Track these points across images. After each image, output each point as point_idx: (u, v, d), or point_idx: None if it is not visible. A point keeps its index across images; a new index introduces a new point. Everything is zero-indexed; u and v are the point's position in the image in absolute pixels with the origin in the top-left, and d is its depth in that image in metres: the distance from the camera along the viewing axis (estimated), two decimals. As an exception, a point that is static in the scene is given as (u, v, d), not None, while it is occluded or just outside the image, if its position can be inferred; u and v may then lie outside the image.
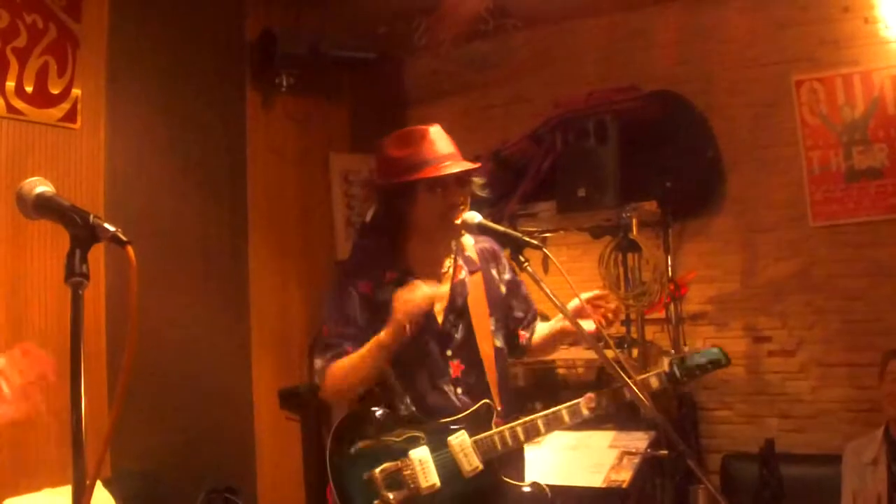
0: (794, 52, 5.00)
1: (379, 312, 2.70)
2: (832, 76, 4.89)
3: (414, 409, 2.71)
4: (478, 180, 2.82)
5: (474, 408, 2.72)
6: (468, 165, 2.73)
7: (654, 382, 2.73)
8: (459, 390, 2.76)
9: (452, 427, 2.68)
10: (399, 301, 2.61)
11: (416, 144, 2.70)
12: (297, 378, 5.31)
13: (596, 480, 3.40)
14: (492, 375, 2.80)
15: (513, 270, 2.96)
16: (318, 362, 2.76)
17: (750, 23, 5.15)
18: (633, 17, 5.51)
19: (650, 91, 5.19)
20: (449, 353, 2.78)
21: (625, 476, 3.45)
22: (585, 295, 2.76)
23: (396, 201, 2.74)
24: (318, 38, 5.30)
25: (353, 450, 2.63)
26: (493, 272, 2.93)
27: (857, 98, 4.83)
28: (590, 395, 2.71)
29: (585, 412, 2.70)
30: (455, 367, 2.77)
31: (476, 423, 2.70)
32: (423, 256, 2.81)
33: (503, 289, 2.93)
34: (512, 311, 2.97)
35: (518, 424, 2.69)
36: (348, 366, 2.69)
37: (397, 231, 2.80)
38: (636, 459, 3.50)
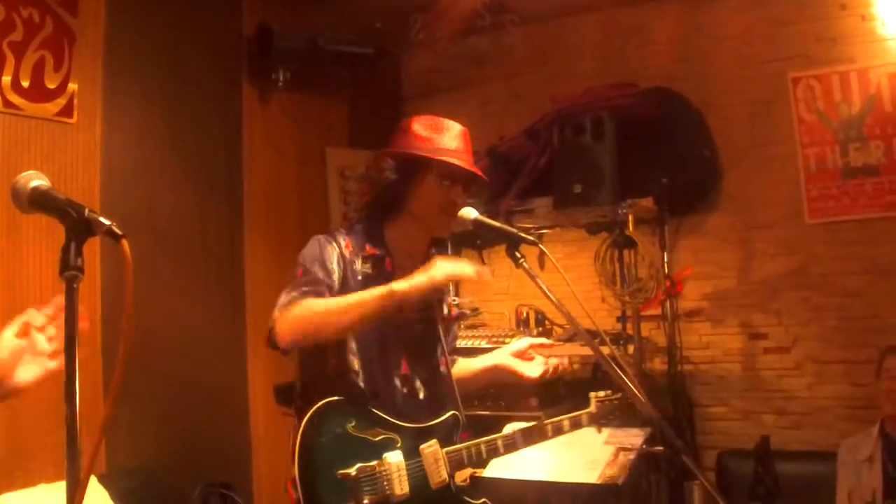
0: (790, 49, 5.01)
1: (352, 280, 2.64)
2: (829, 73, 4.90)
3: (363, 386, 2.63)
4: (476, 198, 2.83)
5: (444, 417, 2.69)
6: (479, 172, 2.75)
7: (585, 420, 2.84)
8: (406, 389, 2.71)
9: (425, 435, 2.61)
10: (441, 261, 2.56)
11: (441, 132, 2.71)
12: (292, 373, 5.29)
13: (591, 477, 3.39)
14: (437, 385, 2.79)
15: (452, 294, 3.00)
16: (283, 296, 2.55)
17: (747, 20, 5.15)
18: (630, 14, 5.52)
19: (647, 88, 5.19)
20: (402, 347, 2.73)
21: (620, 473, 3.45)
22: (530, 341, 2.82)
23: (404, 176, 2.70)
24: (315, 34, 5.29)
25: (328, 442, 2.48)
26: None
27: (853, 95, 4.84)
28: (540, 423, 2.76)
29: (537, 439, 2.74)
30: (404, 365, 2.73)
31: (445, 434, 2.66)
32: (403, 244, 2.77)
33: (445, 308, 2.93)
34: (447, 333, 2.94)
35: (483, 441, 2.66)
36: (335, 306, 2.50)
37: (389, 210, 2.76)
38: (631, 456, 3.50)
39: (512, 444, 2.71)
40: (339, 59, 5.52)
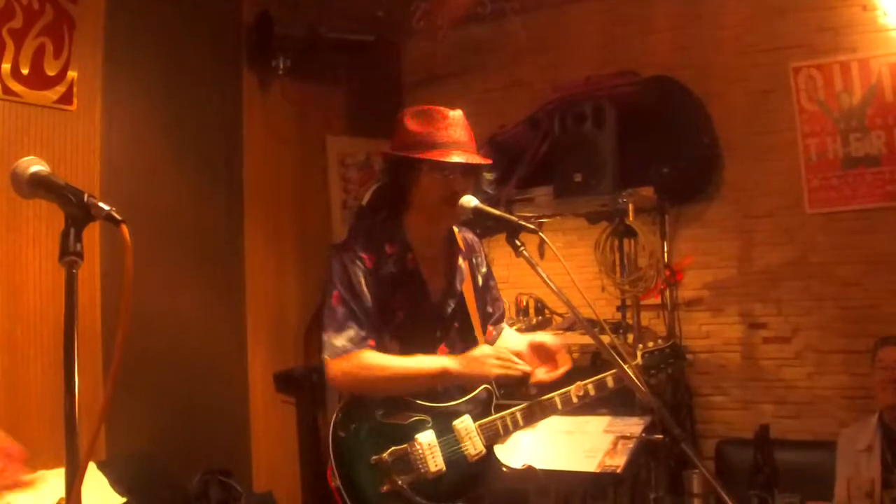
0: (792, 38, 4.98)
1: (381, 287, 2.72)
2: (830, 63, 4.88)
3: None
4: (487, 175, 2.84)
5: (475, 392, 2.75)
6: (477, 159, 2.74)
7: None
8: None
9: (457, 411, 2.70)
10: (501, 359, 2.69)
11: (433, 124, 2.71)
12: (292, 361, 5.31)
13: (590, 465, 3.40)
14: None
15: (488, 266, 3.05)
16: (337, 341, 2.66)
17: (748, 9, 5.13)
18: (631, 2, 5.49)
19: (648, 77, 5.17)
20: (438, 334, 2.81)
21: (619, 461, 3.45)
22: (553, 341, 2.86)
23: (402, 175, 2.75)
24: (315, 21, 5.28)
25: (360, 430, 2.60)
26: (474, 261, 2.98)
27: (854, 85, 4.82)
28: (579, 383, 2.78)
29: (575, 400, 2.77)
30: (441, 351, 2.80)
31: (478, 408, 2.73)
32: (422, 234, 2.81)
33: (480, 281, 2.99)
34: (485, 304, 3.00)
35: (518, 410, 2.73)
36: (385, 375, 2.64)
37: (399, 204, 2.81)
38: (631, 444, 3.50)
39: (550, 408, 2.77)
40: (339, 47, 5.51)
